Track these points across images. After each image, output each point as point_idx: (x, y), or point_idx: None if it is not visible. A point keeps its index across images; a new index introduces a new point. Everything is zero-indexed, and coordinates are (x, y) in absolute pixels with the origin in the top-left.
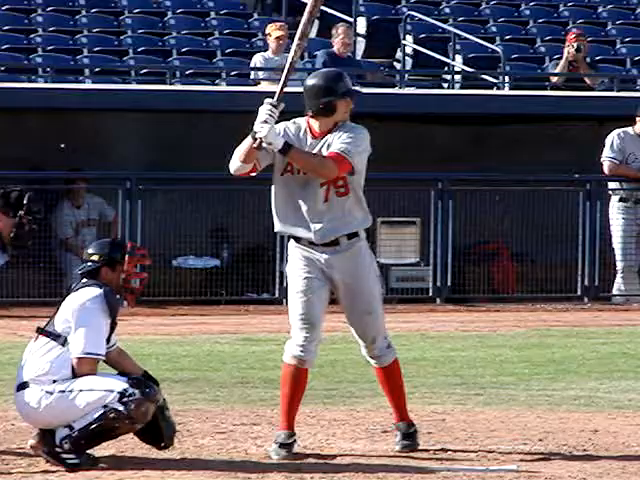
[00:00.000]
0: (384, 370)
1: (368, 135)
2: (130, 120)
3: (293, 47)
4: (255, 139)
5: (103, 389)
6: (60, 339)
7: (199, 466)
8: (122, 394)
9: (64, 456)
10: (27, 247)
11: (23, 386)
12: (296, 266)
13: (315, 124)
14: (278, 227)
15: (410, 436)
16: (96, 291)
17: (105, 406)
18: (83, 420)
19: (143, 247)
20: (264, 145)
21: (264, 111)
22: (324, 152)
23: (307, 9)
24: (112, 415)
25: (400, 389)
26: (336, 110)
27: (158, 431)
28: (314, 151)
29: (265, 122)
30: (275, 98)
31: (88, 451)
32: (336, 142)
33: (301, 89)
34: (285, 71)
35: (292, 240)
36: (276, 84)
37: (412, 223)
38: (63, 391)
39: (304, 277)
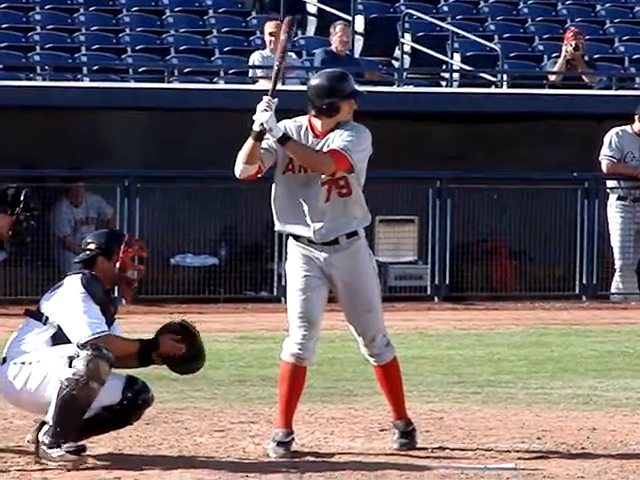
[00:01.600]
0: (383, 368)
1: (370, 135)
2: (128, 118)
3: (277, 56)
4: (256, 132)
5: (58, 356)
6: (42, 317)
7: (197, 464)
8: (71, 358)
9: (49, 451)
10: (26, 244)
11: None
12: (295, 264)
13: (317, 123)
14: (278, 226)
15: (408, 434)
16: (74, 278)
17: (60, 380)
18: (51, 407)
19: (140, 239)
20: (266, 129)
21: (263, 102)
22: (324, 150)
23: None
24: (65, 384)
25: (399, 387)
26: (339, 111)
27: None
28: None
29: (265, 110)
30: (270, 93)
31: (80, 443)
32: (337, 140)
33: (301, 87)
34: (274, 75)
35: (291, 238)
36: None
37: (410, 221)
38: (26, 363)
39: (303, 275)
